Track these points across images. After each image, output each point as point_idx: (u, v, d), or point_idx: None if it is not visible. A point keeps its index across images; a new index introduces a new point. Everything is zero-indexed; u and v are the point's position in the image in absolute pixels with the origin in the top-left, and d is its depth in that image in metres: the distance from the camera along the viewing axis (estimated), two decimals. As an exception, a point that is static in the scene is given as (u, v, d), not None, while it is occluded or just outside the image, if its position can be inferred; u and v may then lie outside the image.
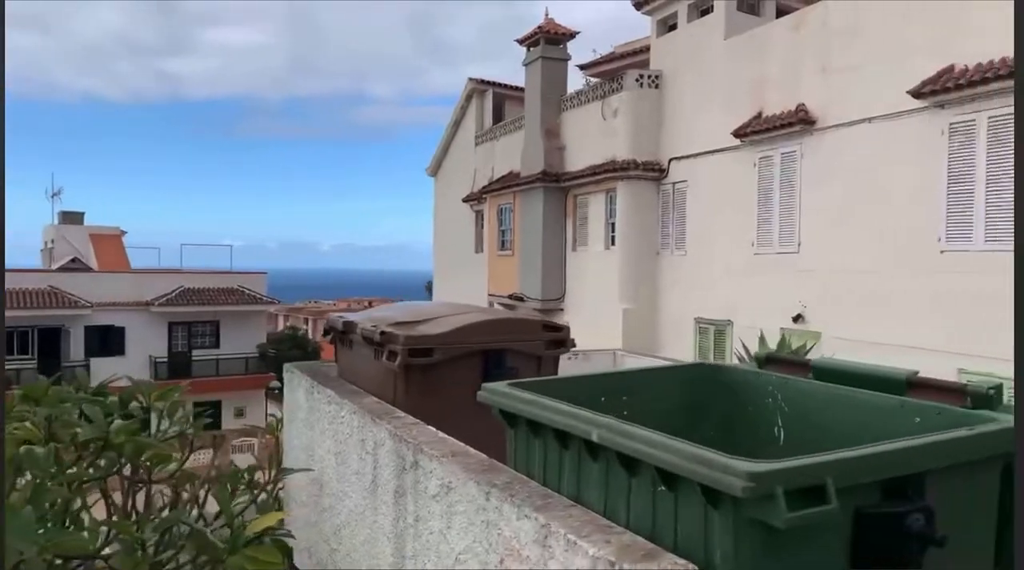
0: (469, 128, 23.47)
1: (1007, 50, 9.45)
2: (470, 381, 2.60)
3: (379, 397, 3.21)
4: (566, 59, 18.62)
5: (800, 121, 12.28)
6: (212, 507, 3.06)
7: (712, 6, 14.80)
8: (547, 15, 18.57)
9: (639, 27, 17.49)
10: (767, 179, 13.29)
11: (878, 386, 2.08)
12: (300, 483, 3.75)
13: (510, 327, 3.48)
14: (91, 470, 2.79)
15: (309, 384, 3.66)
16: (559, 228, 17.89)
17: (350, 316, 3.71)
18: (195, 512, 4.05)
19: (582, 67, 21.60)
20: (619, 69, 17.53)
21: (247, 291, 34.46)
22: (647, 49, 16.86)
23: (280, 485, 4.43)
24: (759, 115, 13.35)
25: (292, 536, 2.89)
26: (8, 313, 24.87)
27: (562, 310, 17.82)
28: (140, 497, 4.13)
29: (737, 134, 13.56)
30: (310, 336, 48.95)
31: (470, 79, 23.19)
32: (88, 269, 35.05)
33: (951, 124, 10.17)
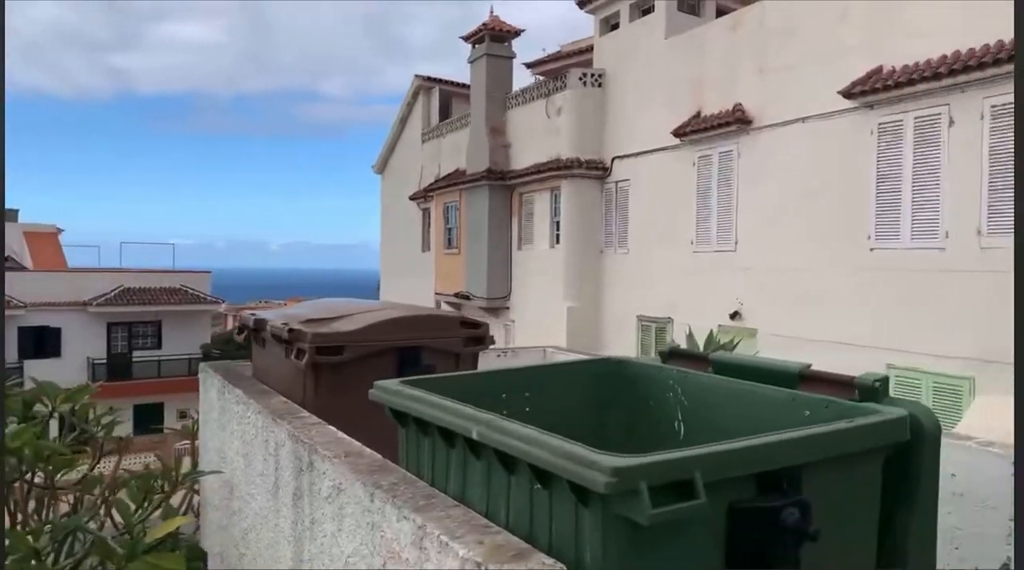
0: (416, 126, 23.29)
1: (935, 52, 9.72)
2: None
3: (289, 397, 3.12)
4: (511, 57, 18.57)
5: (737, 121, 12.44)
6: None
7: (653, 6, 14.93)
8: (492, 12, 18.52)
9: (588, 27, 17.57)
10: (706, 178, 13.44)
11: (773, 380, 2.08)
12: (213, 486, 3.63)
13: (426, 324, 3.42)
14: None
15: (221, 384, 3.54)
16: (505, 226, 17.86)
17: (262, 313, 3.61)
18: (105, 519, 3.91)
19: (529, 65, 21.61)
20: (565, 67, 17.58)
21: (190, 290, 33.85)
22: (592, 48, 16.95)
23: (196, 488, 4.31)
24: (698, 114, 13.50)
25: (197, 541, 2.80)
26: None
27: (508, 308, 17.80)
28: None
29: (677, 133, 13.69)
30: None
31: (416, 76, 22.98)
32: (22, 268, 33.92)
33: (880, 124, 10.40)
